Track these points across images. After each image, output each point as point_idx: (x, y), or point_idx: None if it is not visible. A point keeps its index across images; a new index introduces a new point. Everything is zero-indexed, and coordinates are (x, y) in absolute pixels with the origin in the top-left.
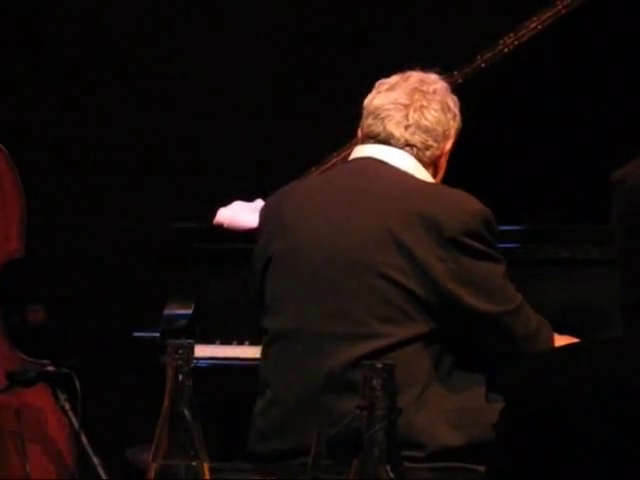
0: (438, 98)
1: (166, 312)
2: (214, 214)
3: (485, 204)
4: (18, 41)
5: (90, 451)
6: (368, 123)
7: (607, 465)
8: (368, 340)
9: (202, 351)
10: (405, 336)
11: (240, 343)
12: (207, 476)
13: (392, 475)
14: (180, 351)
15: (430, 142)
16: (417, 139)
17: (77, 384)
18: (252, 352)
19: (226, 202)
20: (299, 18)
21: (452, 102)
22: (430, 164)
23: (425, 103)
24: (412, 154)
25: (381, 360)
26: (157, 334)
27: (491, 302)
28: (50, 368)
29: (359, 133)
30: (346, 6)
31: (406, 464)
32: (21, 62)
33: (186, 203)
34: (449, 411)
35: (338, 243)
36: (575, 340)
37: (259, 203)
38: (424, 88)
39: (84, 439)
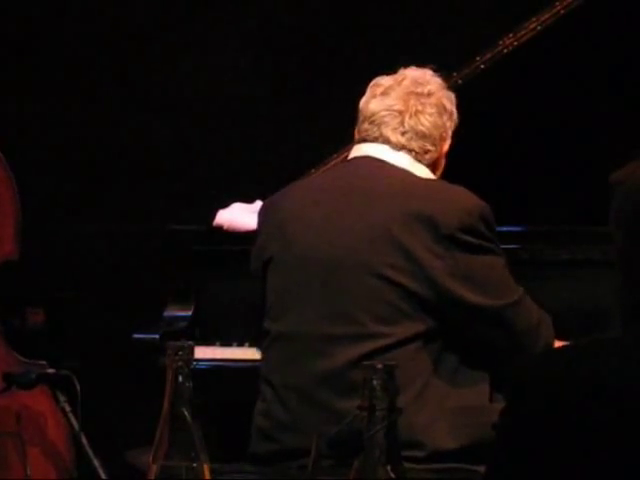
0: (433, 100)
1: (166, 314)
2: (214, 216)
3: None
4: (18, 41)
5: (90, 453)
6: (365, 127)
7: (607, 465)
8: (367, 340)
9: (202, 353)
10: (404, 335)
11: (240, 344)
12: (207, 477)
13: (392, 475)
14: (180, 353)
15: (428, 147)
16: (414, 145)
17: (77, 386)
18: (252, 353)
19: (226, 204)
20: (299, 20)
21: (448, 101)
22: (429, 166)
23: (420, 107)
24: (410, 156)
25: (380, 359)
26: (157, 336)
27: (491, 296)
28: (50, 370)
29: (356, 135)
30: (346, 7)
31: (406, 464)
32: (21, 62)
33: (186, 205)
34: (449, 410)
35: (336, 243)
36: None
37: (259, 205)
38: (418, 90)
39: (84, 441)
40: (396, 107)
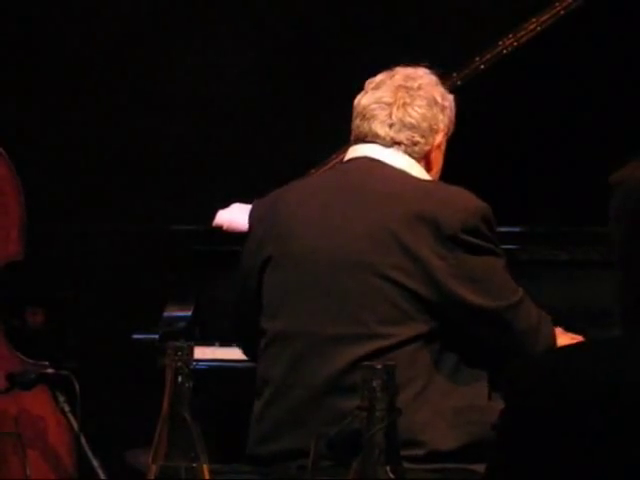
0: (423, 93)
1: (165, 314)
2: (213, 216)
3: None
4: (18, 41)
5: (90, 453)
6: (357, 124)
7: (607, 465)
8: (369, 341)
9: (201, 353)
10: (406, 336)
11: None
12: (207, 477)
13: (392, 476)
14: (179, 353)
15: (417, 138)
16: (402, 136)
17: (77, 386)
18: None
19: (225, 204)
20: (299, 20)
21: (440, 95)
22: (421, 159)
23: (408, 100)
24: (402, 151)
25: (381, 360)
26: (156, 336)
27: (492, 297)
28: (50, 370)
29: (352, 134)
30: (345, 8)
31: (405, 464)
32: (21, 62)
33: (185, 205)
34: (449, 410)
35: (337, 244)
36: (578, 338)
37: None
38: (408, 84)
39: (84, 441)
40: (385, 99)
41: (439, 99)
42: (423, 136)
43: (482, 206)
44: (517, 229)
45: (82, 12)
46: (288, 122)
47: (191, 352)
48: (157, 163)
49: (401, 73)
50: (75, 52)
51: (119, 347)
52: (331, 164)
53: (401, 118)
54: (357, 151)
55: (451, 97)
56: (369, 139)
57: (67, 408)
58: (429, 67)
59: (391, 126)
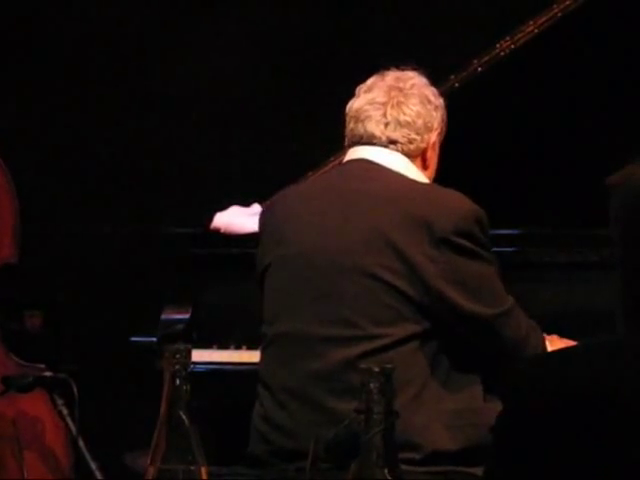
0: (416, 92)
1: (163, 317)
2: (211, 219)
3: (483, 208)
4: (18, 41)
5: (88, 456)
6: (350, 127)
7: (605, 467)
8: (363, 342)
9: (199, 356)
10: (399, 336)
11: (237, 347)
12: (205, 479)
13: (390, 478)
14: (177, 356)
15: (413, 135)
16: (398, 134)
17: (74, 389)
18: (249, 356)
19: (223, 207)
20: (299, 20)
21: (432, 94)
22: (417, 158)
23: (402, 99)
24: (398, 151)
25: (377, 360)
26: (154, 339)
27: (482, 304)
28: (47, 373)
29: (346, 138)
30: (345, 8)
31: (403, 466)
32: (21, 62)
33: (183, 208)
34: (446, 412)
35: (331, 246)
36: (572, 343)
37: (256, 208)
38: (401, 85)
39: (82, 444)
40: (378, 100)
41: (432, 98)
42: (418, 133)
43: (475, 209)
44: (516, 231)
45: (82, 12)
46: (288, 123)
47: (189, 355)
48: (155, 166)
49: (392, 75)
50: (75, 52)
51: (117, 350)
52: (329, 166)
53: (396, 117)
54: (355, 153)
55: (442, 101)
56: (365, 141)
57: (65, 411)
58: (416, 69)
59: (386, 125)
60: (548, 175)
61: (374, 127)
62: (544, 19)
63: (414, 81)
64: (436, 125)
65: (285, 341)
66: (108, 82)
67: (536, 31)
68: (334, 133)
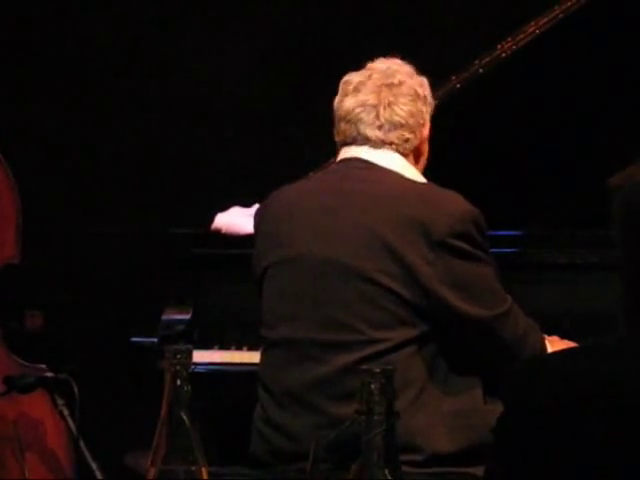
0: (405, 89)
1: (164, 317)
2: (212, 219)
3: (484, 208)
4: (18, 41)
5: (88, 456)
6: (342, 128)
7: (607, 467)
8: (362, 346)
9: (200, 356)
10: (398, 340)
11: (238, 348)
12: None
13: (390, 478)
14: (178, 356)
15: (407, 135)
16: (393, 136)
17: (75, 389)
18: (250, 357)
19: (224, 207)
20: (299, 20)
21: (419, 86)
22: (410, 153)
23: (392, 99)
24: (394, 150)
25: (377, 364)
26: (155, 339)
27: (480, 305)
28: (48, 373)
29: (335, 136)
30: (346, 8)
31: (404, 468)
32: (21, 62)
33: (184, 208)
34: (446, 414)
35: (328, 250)
36: (573, 344)
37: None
38: (389, 81)
39: (82, 444)
40: (369, 102)
41: (420, 91)
42: (412, 132)
43: (472, 210)
44: (516, 232)
45: (82, 12)
46: (288, 123)
47: (190, 355)
48: (156, 166)
49: (378, 70)
50: (75, 52)
51: (118, 350)
52: (328, 167)
53: (389, 119)
54: (349, 152)
55: (425, 81)
56: (360, 142)
57: (66, 411)
58: (402, 57)
59: (380, 128)
60: (549, 176)
61: (368, 130)
62: (545, 20)
63: (401, 76)
64: (427, 118)
65: (285, 345)
66: (108, 82)
67: (537, 32)
68: (333, 135)
